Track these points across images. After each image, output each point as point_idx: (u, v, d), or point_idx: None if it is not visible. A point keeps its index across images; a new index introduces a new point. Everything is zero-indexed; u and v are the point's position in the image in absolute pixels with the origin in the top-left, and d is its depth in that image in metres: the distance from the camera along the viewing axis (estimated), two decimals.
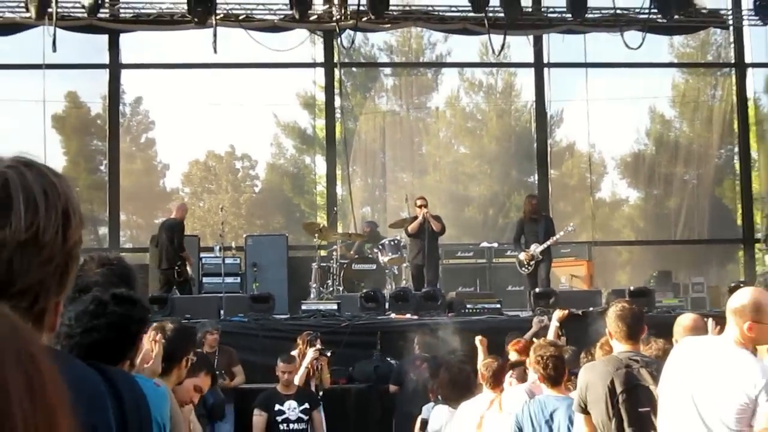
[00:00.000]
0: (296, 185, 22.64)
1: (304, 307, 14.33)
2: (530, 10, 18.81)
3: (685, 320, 6.64)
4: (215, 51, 17.33)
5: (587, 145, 21.34)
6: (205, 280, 16.04)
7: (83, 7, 16.99)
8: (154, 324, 4.70)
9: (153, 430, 3.04)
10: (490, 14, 17.69)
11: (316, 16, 18.07)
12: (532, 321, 12.28)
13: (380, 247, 15.95)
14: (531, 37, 19.48)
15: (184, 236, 15.48)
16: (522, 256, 15.33)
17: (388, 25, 18.96)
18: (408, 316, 13.82)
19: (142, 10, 18.08)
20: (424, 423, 9.36)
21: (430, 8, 18.88)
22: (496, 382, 7.93)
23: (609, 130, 21.33)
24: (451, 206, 21.02)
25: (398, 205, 19.08)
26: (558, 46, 19.77)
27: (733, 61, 20.83)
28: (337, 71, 19.83)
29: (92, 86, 20.08)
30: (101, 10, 17.47)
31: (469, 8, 17.72)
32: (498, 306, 14.50)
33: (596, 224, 20.78)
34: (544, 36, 19.58)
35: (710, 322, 6.54)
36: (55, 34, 16.81)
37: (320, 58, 19.92)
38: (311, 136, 21.85)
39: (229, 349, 12.11)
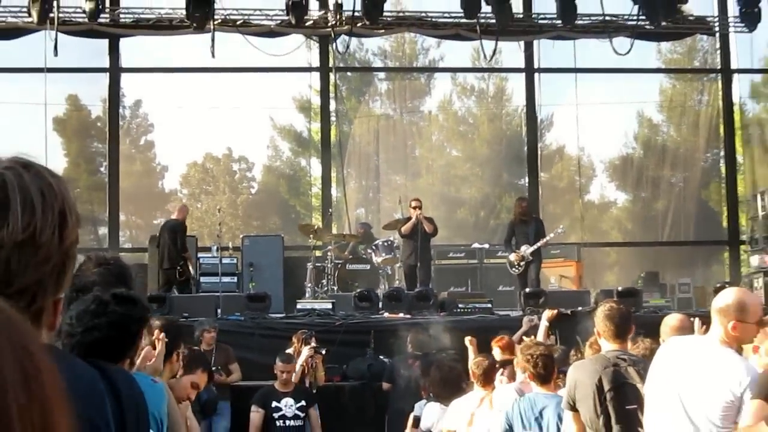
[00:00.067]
0: (292, 187, 22.65)
1: (299, 307, 14.34)
2: (521, 16, 18.82)
3: (671, 320, 6.66)
4: (213, 55, 17.32)
5: (576, 148, 21.37)
6: (202, 279, 16.02)
7: (84, 12, 16.96)
8: None
9: (150, 425, 3.04)
10: (482, 20, 17.69)
11: (311, 22, 18.06)
12: (523, 320, 12.30)
13: (374, 247, 15.95)
14: (522, 43, 19.52)
15: (186, 237, 15.54)
16: (512, 257, 15.33)
17: (383, 31, 18.97)
18: (401, 315, 13.81)
19: (142, 15, 18.07)
20: (417, 420, 9.36)
21: (423, 14, 18.87)
22: (487, 380, 7.95)
23: (598, 134, 21.34)
24: (443, 208, 21.01)
25: (392, 206, 19.04)
26: (548, 51, 19.81)
27: (719, 67, 20.85)
28: (332, 75, 19.83)
29: (93, 89, 20.07)
30: (102, 15, 17.44)
31: (462, 14, 17.70)
32: (489, 306, 14.50)
33: (585, 226, 20.79)
34: (535, 42, 19.62)
35: (696, 322, 6.55)
36: (56, 39, 16.80)
37: (316, 63, 19.93)
38: (307, 139, 21.83)
39: (226, 347, 12.11)
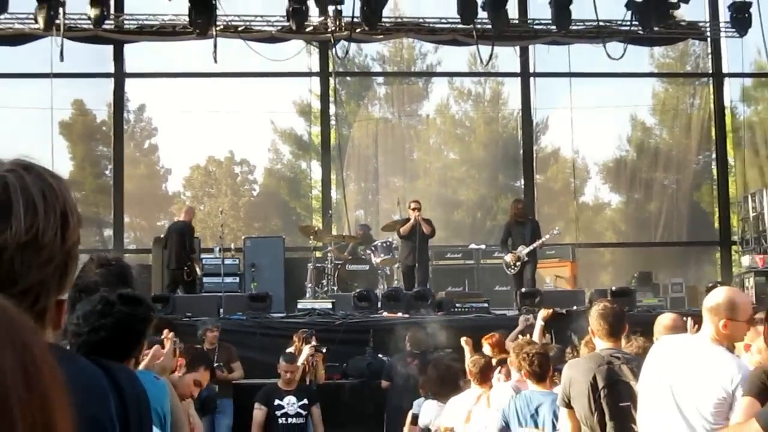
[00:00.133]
0: (293, 189, 22.65)
1: (300, 306, 14.35)
2: (517, 22, 18.81)
3: (665, 320, 6.65)
4: (215, 61, 17.33)
5: (571, 151, 21.38)
6: (205, 279, 16.03)
7: (89, 18, 16.94)
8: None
9: (153, 421, 3.04)
10: (479, 26, 17.68)
11: (312, 28, 18.04)
12: (519, 319, 12.30)
13: (373, 248, 15.95)
14: (518, 48, 19.51)
15: (193, 239, 15.59)
16: (508, 257, 15.31)
17: (381, 36, 18.97)
18: (399, 314, 13.81)
19: (146, 22, 18.07)
20: (415, 417, 9.36)
21: (421, 20, 18.88)
22: (484, 378, 7.94)
23: (592, 137, 21.36)
24: (440, 209, 21.00)
25: (390, 208, 19.06)
26: (543, 56, 19.80)
27: (710, 71, 20.86)
28: (332, 80, 19.85)
29: (98, 94, 20.11)
30: (106, 22, 17.45)
31: (459, 20, 17.70)
32: (485, 305, 14.50)
33: (580, 227, 20.79)
34: (530, 47, 19.60)
35: (689, 321, 6.55)
36: (62, 45, 16.79)
37: (316, 68, 19.94)
38: (307, 143, 21.83)
39: (229, 346, 12.12)
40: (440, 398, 8.72)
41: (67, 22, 16.99)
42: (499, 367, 8.01)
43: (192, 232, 15.56)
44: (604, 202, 23.30)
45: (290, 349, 11.05)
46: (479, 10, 17.09)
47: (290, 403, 10.36)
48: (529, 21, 19.10)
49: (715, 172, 21.09)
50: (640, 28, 17.87)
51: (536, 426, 6.73)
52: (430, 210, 18.18)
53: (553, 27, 18.10)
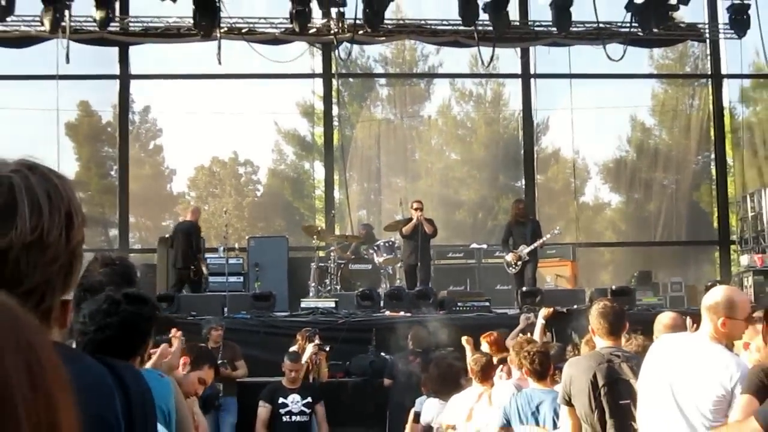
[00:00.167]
0: (296, 190, 22.64)
1: (303, 305, 14.37)
2: (518, 23, 18.80)
3: (665, 318, 6.64)
4: (219, 62, 17.33)
5: (571, 151, 21.36)
6: (209, 279, 16.03)
7: (95, 21, 16.95)
8: None
9: (158, 418, 3.04)
10: (480, 28, 17.67)
11: (315, 30, 18.03)
12: (520, 318, 12.29)
13: (375, 248, 15.94)
14: (518, 50, 19.51)
15: (200, 239, 15.60)
16: (509, 257, 15.30)
17: (383, 38, 18.96)
18: (401, 313, 13.80)
19: (151, 24, 18.08)
20: (417, 415, 9.35)
21: (422, 22, 18.89)
22: (485, 376, 7.94)
23: (592, 138, 21.37)
24: (442, 209, 21.00)
25: (392, 208, 19.02)
26: (544, 57, 19.79)
27: (709, 73, 20.84)
28: (334, 81, 19.84)
29: (103, 96, 20.12)
30: (112, 24, 17.44)
31: (460, 22, 17.69)
32: (487, 304, 14.51)
33: (580, 227, 20.77)
34: (531, 48, 19.60)
35: (689, 320, 6.55)
36: (68, 47, 16.82)
37: (319, 69, 19.93)
38: (310, 143, 21.82)
39: (233, 345, 12.11)
40: (442, 396, 8.72)
41: (72, 24, 17.00)
42: (501, 366, 8.01)
43: (198, 231, 15.58)
44: (604, 202, 23.28)
45: (294, 348, 11.06)
46: (480, 11, 17.07)
47: (294, 401, 10.38)
48: (529, 23, 19.10)
49: (714, 172, 21.07)
50: (639, 29, 17.85)
51: (537, 424, 6.73)
52: (431, 210, 18.17)
53: (554, 29, 18.08)
